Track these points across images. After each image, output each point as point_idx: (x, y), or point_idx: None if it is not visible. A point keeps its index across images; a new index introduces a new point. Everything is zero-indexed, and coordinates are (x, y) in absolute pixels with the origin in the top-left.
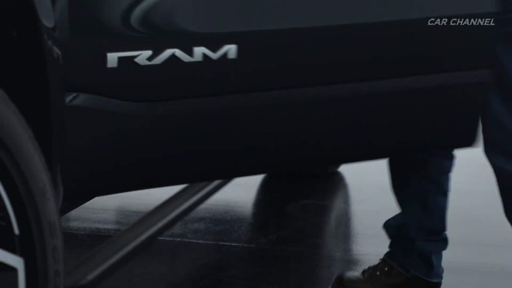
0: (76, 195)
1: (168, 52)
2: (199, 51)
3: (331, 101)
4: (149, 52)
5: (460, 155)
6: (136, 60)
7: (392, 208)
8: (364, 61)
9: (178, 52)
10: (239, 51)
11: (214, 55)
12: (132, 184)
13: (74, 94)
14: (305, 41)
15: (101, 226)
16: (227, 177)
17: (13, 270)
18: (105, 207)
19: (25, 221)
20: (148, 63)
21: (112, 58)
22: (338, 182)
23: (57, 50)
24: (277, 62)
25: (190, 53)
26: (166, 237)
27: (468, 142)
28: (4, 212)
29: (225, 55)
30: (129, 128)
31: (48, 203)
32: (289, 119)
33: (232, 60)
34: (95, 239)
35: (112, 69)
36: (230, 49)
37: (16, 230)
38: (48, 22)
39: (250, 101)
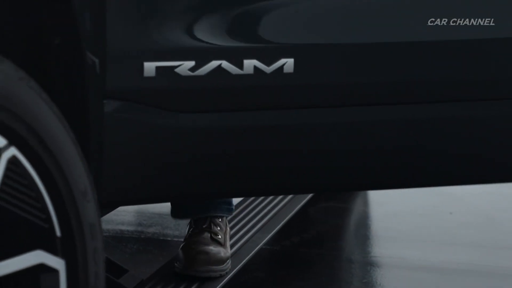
0: (109, 203)
1: (213, 64)
2: (250, 64)
3: (393, 123)
4: (191, 63)
5: None
6: (177, 70)
7: (413, 211)
8: (422, 81)
9: (225, 63)
10: (296, 65)
11: (267, 69)
12: (164, 195)
13: (112, 102)
14: (370, 57)
15: (124, 227)
16: (268, 194)
17: (54, 271)
18: (127, 209)
19: (67, 223)
20: (190, 73)
21: (150, 67)
22: None
23: (96, 58)
24: (335, 79)
25: (239, 65)
26: None
27: None
28: (47, 214)
29: (280, 69)
30: (167, 137)
31: (89, 205)
32: (342, 140)
33: (288, 74)
34: (119, 241)
35: (149, 78)
36: (287, 63)
37: (58, 232)
38: (88, 29)
39: (302, 118)
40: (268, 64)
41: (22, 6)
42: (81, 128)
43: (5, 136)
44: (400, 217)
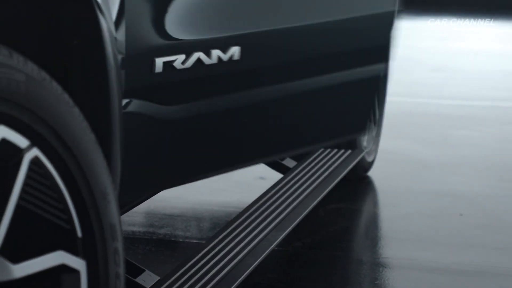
0: (127, 201)
1: (195, 56)
2: (215, 53)
3: (307, 93)
4: (183, 56)
5: (491, 160)
6: (174, 64)
7: (422, 212)
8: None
9: (202, 55)
10: (242, 52)
11: (225, 57)
12: (168, 182)
13: (128, 100)
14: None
15: (135, 229)
16: (256, 163)
17: (75, 272)
18: (137, 210)
19: (88, 224)
20: (182, 66)
21: (159, 63)
22: (369, 186)
23: (116, 57)
24: (273, 60)
25: (209, 55)
26: (201, 242)
27: (360, 131)
28: (68, 215)
29: (231, 56)
30: (167, 129)
31: (110, 205)
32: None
33: (236, 61)
34: (131, 242)
35: (158, 74)
36: (236, 51)
37: (79, 233)
38: (109, 30)
39: (253, 98)
40: (225, 52)
41: (43, 7)
42: (102, 128)
43: (28, 137)
44: (410, 219)
